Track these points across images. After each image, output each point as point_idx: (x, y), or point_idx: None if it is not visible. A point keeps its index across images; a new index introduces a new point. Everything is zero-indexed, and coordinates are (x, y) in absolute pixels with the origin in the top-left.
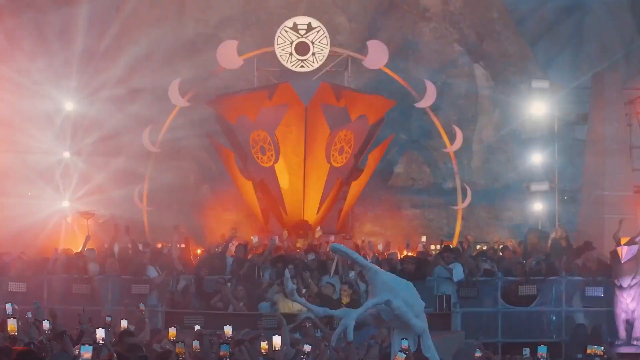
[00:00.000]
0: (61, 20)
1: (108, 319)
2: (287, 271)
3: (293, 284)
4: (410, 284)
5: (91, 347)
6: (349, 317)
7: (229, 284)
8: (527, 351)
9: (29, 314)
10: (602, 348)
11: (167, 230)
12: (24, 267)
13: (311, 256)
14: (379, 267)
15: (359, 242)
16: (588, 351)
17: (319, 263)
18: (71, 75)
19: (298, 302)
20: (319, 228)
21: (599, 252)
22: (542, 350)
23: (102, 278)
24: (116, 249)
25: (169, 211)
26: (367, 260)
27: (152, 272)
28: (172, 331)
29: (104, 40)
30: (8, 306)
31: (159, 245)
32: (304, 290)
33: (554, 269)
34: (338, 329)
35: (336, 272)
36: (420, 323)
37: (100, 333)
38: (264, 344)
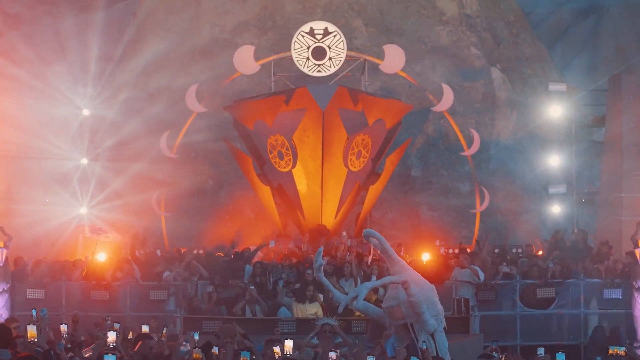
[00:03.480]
0: (78, 26)
1: (117, 325)
2: (321, 248)
3: (323, 261)
4: (433, 286)
5: (114, 357)
6: (363, 286)
7: (252, 287)
8: (542, 350)
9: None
10: (624, 348)
11: (186, 236)
12: (44, 272)
13: (324, 260)
14: (405, 262)
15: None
16: (610, 352)
17: (335, 267)
18: (88, 81)
19: (323, 282)
20: (344, 233)
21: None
22: (560, 358)
23: (121, 284)
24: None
25: (187, 216)
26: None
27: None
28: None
29: (120, 45)
30: (34, 313)
31: (176, 251)
32: (321, 297)
33: (569, 271)
34: (349, 295)
35: (351, 275)
36: (433, 321)
37: (111, 336)
38: (276, 349)
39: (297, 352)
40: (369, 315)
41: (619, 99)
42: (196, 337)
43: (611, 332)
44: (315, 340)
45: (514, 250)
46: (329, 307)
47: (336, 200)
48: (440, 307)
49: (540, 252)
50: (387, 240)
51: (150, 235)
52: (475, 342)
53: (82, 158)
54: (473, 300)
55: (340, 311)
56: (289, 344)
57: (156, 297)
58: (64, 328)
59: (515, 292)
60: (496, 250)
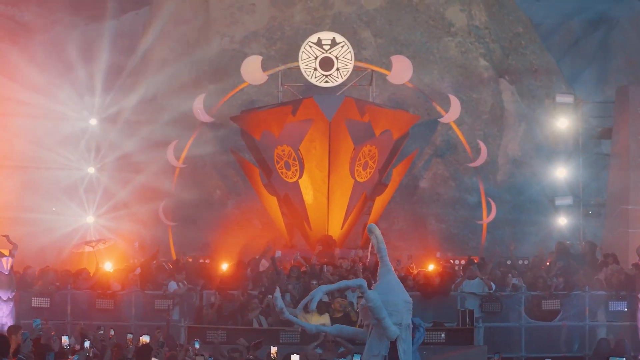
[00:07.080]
0: (87, 37)
1: (130, 335)
2: (277, 289)
3: (283, 302)
4: (410, 300)
5: None
6: (318, 289)
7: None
8: None
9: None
10: (624, 359)
11: (193, 246)
12: (51, 280)
13: (327, 268)
14: (392, 268)
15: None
16: None
17: (339, 278)
18: (96, 91)
19: (290, 320)
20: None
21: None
22: None
23: (125, 293)
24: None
25: (194, 227)
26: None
27: (173, 286)
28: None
29: (129, 56)
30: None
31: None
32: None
33: (571, 283)
34: (305, 299)
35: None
36: (395, 328)
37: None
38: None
39: None
40: (344, 337)
41: (626, 111)
42: (196, 345)
43: (616, 344)
44: (319, 350)
45: (520, 262)
46: (339, 319)
47: (342, 211)
48: (407, 321)
49: (548, 263)
50: (396, 251)
51: (156, 245)
52: (479, 353)
53: (89, 168)
54: (478, 311)
55: (298, 312)
56: (274, 350)
57: (161, 306)
58: (65, 339)
59: (520, 304)
60: (508, 262)
